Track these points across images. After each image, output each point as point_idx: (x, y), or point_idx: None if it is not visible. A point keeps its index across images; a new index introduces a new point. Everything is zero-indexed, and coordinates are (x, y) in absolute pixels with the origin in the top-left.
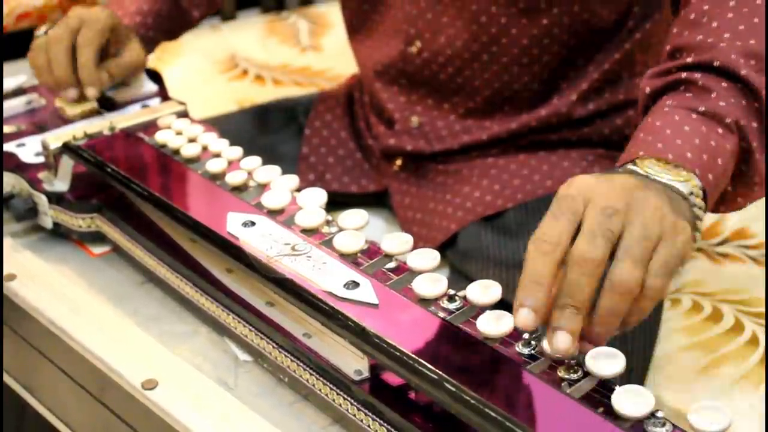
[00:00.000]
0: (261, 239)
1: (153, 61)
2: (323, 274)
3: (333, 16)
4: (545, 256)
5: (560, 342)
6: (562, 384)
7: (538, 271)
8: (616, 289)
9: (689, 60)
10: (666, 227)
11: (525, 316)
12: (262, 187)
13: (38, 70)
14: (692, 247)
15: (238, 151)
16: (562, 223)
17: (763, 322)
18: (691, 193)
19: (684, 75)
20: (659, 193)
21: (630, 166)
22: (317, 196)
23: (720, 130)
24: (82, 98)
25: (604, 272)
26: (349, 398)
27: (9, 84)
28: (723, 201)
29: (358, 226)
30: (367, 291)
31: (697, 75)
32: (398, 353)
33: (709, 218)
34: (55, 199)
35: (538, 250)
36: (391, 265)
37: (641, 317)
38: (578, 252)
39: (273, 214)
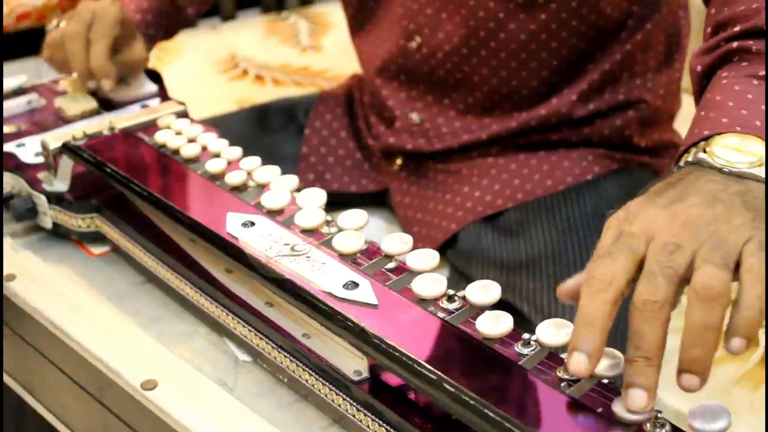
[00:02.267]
0: (260, 239)
1: (152, 61)
2: (323, 275)
3: (333, 16)
4: (597, 296)
5: (636, 400)
6: (562, 384)
7: (590, 312)
8: (701, 296)
9: (737, 29)
10: (742, 234)
11: (578, 361)
12: (262, 188)
13: (57, 65)
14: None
15: (237, 151)
16: (619, 263)
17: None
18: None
19: (735, 44)
20: (731, 204)
21: (699, 155)
22: (317, 196)
23: None
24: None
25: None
26: (348, 398)
27: (9, 84)
28: None
29: (357, 226)
30: (366, 291)
31: (750, 42)
32: (398, 353)
33: None
34: (54, 199)
35: (590, 289)
36: (391, 265)
37: (752, 321)
38: (637, 296)
39: (272, 214)
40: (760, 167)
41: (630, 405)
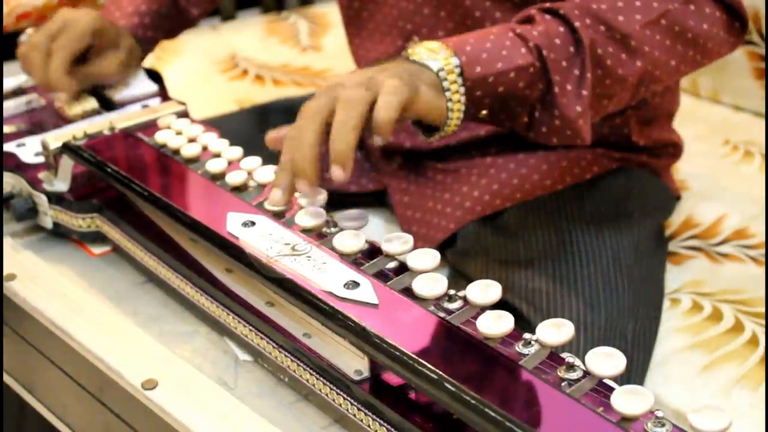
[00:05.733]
0: (261, 239)
1: (152, 60)
2: (323, 274)
3: (333, 16)
4: (302, 122)
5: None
6: (562, 384)
7: (296, 134)
8: (342, 103)
9: (547, 5)
10: (392, 69)
11: (276, 193)
12: (262, 187)
13: (27, 75)
14: (411, 88)
15: (238, 151)
16: (320, 101)
17: (763, 322)
18: (442, 69)
19: (532, 12)
20: (399, 66)
21: (406, 51)
22: (317, 196)
23: (523, 50)
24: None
25: None
26: (349, 398)
27: (9, 84)
28: (532, 125)
29: (358, 226)
30: (367, 291)
31: (544, 15)
32: (398, 353)
33: (709, 218)
34: (55, 199)
35: (297, 122)
36: (391, 265)
37: (388, 112)
38: (303, 108)
39: (273, 214)
40: (434, 60)
41: (270, 200)
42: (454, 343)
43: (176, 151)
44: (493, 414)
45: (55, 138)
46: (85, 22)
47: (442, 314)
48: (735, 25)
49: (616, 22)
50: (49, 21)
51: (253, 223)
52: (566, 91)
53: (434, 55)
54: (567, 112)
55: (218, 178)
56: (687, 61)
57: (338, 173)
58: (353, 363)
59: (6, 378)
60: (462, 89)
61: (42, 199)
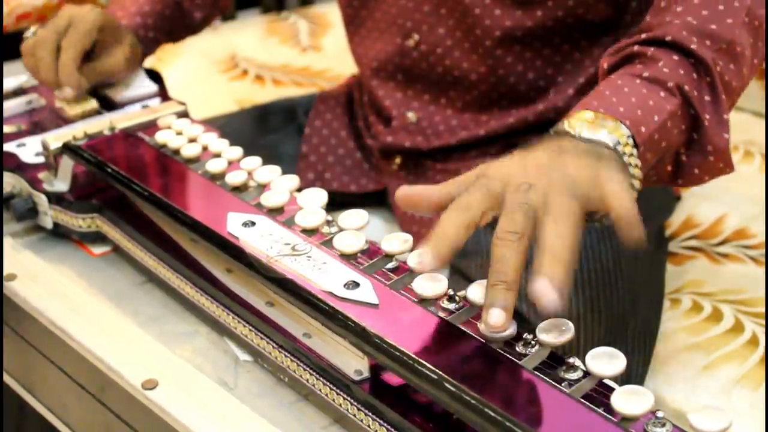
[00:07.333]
0: (261, 239)
1: (153, 61)
2: (323, 274)
3: (333, 16)
4: (453, 215)
5: (495, 317)
6: (562, 384)
7: (445, 227)
8: (555, 218)
9: (643, 36)
10: (588, 176)
11: (424, 262)
12: (263, 187)
13: (31, 72)
14: (626, 186)
15: (238, 151)
16: (475, 196)
17: (763, 322)
18: (618, 143)
19: (636, 48)
20: (577, 153)
21: (558, 126)
22: (317, 196)
23: (662, 94)
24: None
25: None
26: (349, 398)
27: (9, 84)
28: (679, 170)
29: (358, 226)
30: (367, 291)
31: (650, 48)
32: (398, 353)
33: (709, 218)
34: (55, 199)
35: (448, 212)
36: (391, 265)
37: (630, 219)
38: (499, 229)
39: (273, 214)
40: (609, 134)
41: (490, 322)
42: (455, 343)
43: (176, 151)
44: (493, 414)
45: (56, 138)
46: (92, 18)
47: (442, 314)
48: None
49: (718, 32)
50: (55, 18)
51: (253, 223)
52: (711, 122)
53: (598, 126)
54: (719, 143)
55: (218, 178)
56: (760, 56)
57: (553, 297)
58: (353, 363)
59: (6, 378)
60: (637, 159)
61: (42, 199)
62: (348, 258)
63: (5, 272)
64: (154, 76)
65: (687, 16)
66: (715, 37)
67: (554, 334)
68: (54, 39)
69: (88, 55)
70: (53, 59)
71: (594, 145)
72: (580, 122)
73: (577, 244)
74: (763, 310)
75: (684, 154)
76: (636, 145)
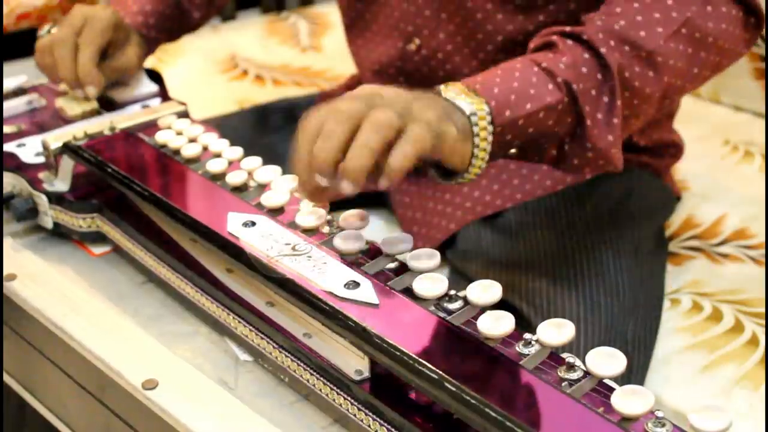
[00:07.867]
0: (261, 239)
1: (153, 61)
2: (324, 274)
3: (333, 16)
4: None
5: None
6: (563, 384)
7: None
8: (369, 123)
9: (568, 29)
10: (427, 101)
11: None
12: (263, 187)
13: (46, 71)
14: (435, 134)
15: (238, 151)
16: (330, 125)
17: (763, 322)
18: (474, 114)
19: (555, 38)
20: (432, 100)
21: (435, 88)
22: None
23: (550, 86)
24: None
25: None
26: (349, 398)
27: (9, 84)
28: (560, 158)
29: (358, 226)
30: (367, 291)
31: (567, 41)
32: (398, 353)
33: (709, 218)
34: (55, 199)
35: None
36: (391, 265)
37: (403, 162)
38: (336, 106)
39: (273, 214)
40: (468, 103)
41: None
42: (455, 343)
43: (177, 152)
44: (493, 414)
45: (56, 138)
46: (106, 17)
47: (442, 314)
48: (751, 21)
49: (641, 40)
50: (69, 16)
51: (253, 223)
52: (597, 121)
53: (466, 97)
54: (599, 143)
55: (218, 178)
56: (708, 66)
57: (349, 188)
58: (353, 363)
59: (6, 378)
60: (490, 136)
61: (42, 199)
62: (348, 258)
63: (5, 272)
64: (155, 76)
65: (619, 19)
66: (636, 44)
67: (554, 334)
68: (72, 38)
69: (102, 54)
70: (73, 58)
71: (451, 104)
72: (453, 88)
73: (383, 149)
74: (763, 310)
75: (567, 144)
76: (494, 124)
